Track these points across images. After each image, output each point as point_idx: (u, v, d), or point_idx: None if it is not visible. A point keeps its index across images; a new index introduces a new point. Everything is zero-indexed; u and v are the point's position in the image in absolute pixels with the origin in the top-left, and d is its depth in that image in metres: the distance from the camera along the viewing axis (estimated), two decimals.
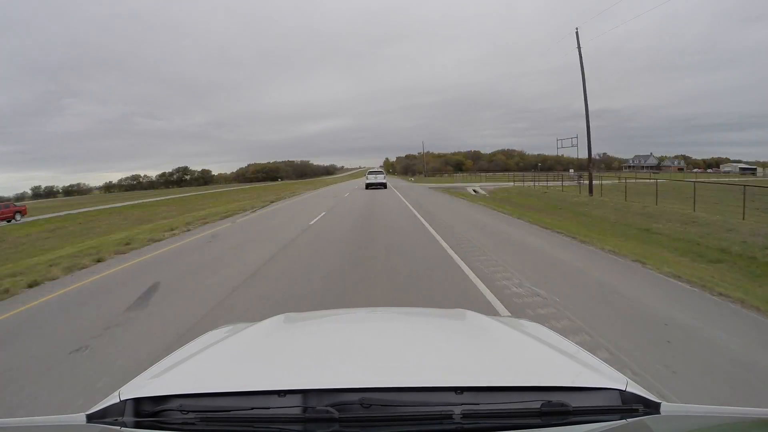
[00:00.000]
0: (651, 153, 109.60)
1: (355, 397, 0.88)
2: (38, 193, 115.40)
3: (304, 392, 0.90)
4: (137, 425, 0.91)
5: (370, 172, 32.91)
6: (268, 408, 0.88)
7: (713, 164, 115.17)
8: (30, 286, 6.12)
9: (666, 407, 0.93)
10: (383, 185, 30.13)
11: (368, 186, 30.12)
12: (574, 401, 0.90)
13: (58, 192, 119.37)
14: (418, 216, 12.41)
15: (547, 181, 33.85)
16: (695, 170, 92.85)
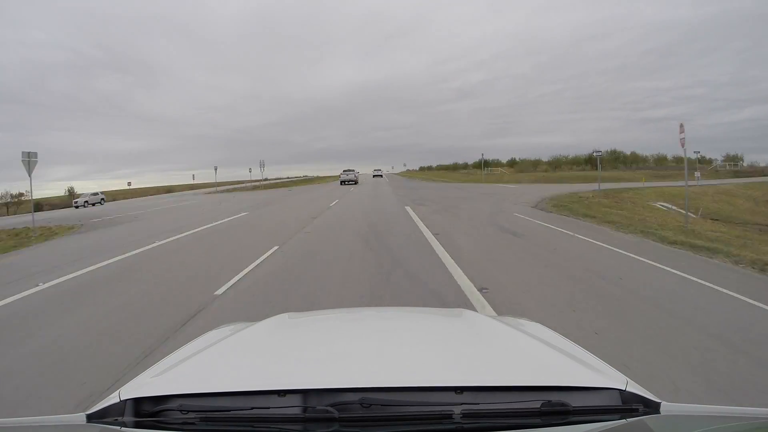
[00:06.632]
0: None
1: (355, 397, 0.88)
2: None
3: (304, 392, 0.91)
4: (137, 425, 0.91)
5: (375, 170, 59.84)
6: (269, 408, 0.89)
7: None
8: None
9: (666, 407, 0.93)
10: (381, 176, 54.28)
11: (374, 177, 52.37)
12: (574, 401, 0.90)
13: None
14: None
15: None
16: None
